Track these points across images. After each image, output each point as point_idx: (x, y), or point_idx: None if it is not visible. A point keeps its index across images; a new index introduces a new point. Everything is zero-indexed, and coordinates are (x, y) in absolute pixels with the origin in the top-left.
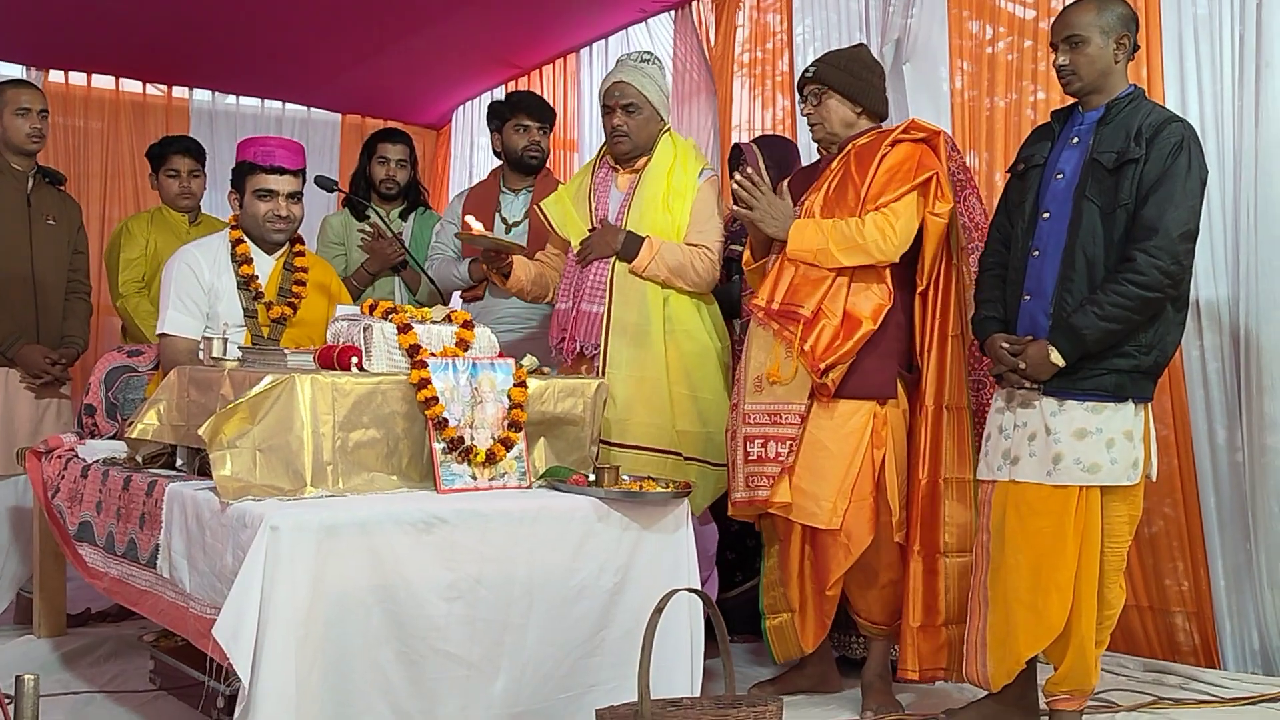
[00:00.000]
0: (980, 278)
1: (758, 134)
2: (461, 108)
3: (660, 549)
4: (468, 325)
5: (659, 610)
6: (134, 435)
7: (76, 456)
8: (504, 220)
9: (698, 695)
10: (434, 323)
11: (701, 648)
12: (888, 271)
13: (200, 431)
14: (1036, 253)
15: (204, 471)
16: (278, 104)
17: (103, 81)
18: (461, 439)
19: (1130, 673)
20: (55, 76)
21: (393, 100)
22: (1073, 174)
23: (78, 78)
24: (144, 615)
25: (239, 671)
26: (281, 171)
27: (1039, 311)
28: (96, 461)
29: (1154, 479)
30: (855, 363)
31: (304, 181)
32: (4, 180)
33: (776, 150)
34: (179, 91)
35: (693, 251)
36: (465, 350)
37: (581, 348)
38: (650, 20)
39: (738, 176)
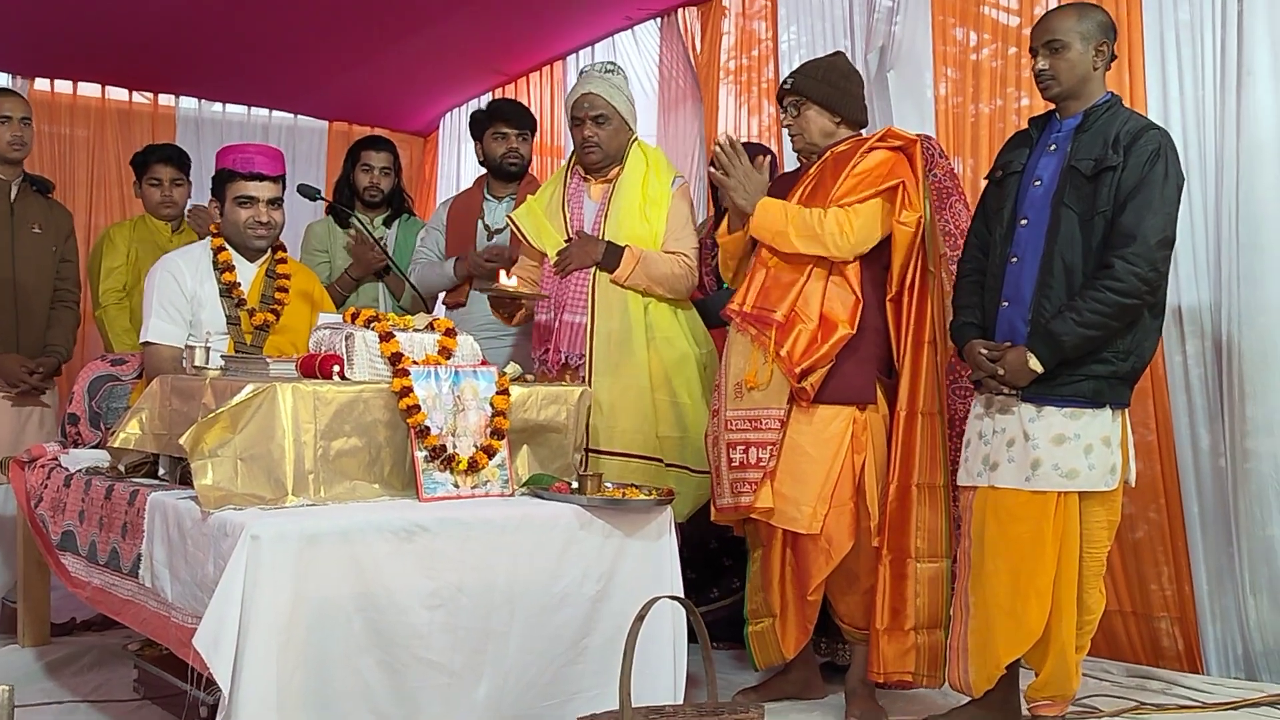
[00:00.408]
0: (958, 283)
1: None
2: (449, 115)
3: (643, 556)
4: (450, 333)
5: (640, 618)
6: (116, 444)
7: (60, 466)
8: (487, 227)
9: (681, 702)
10: (416, 330)
11: (685, 655)
12: (856, 276)
13: (181, 441)
14: (1015, 259)
15: (186, 481)
16: (264, 111)
17: (89, 90)
18: (444, 447)
19: (1114, 678)
20: (41, 85)
21: (380, 107)
22: (1051, 181)
23: (64, 86)
24: (127, 625)
25: (219, 681)
26: (261, 178)
27: (1017, 318)
28: (79, 471)
29: (1133, 484)
30: (834, 368)
31: (284, 188)
32: None
33: (756, 156)
34: (165, 99)
35: (671, 259)
36: (447, 358)
37: (566, 358)
38: (636, 27)
39: (720, 140)
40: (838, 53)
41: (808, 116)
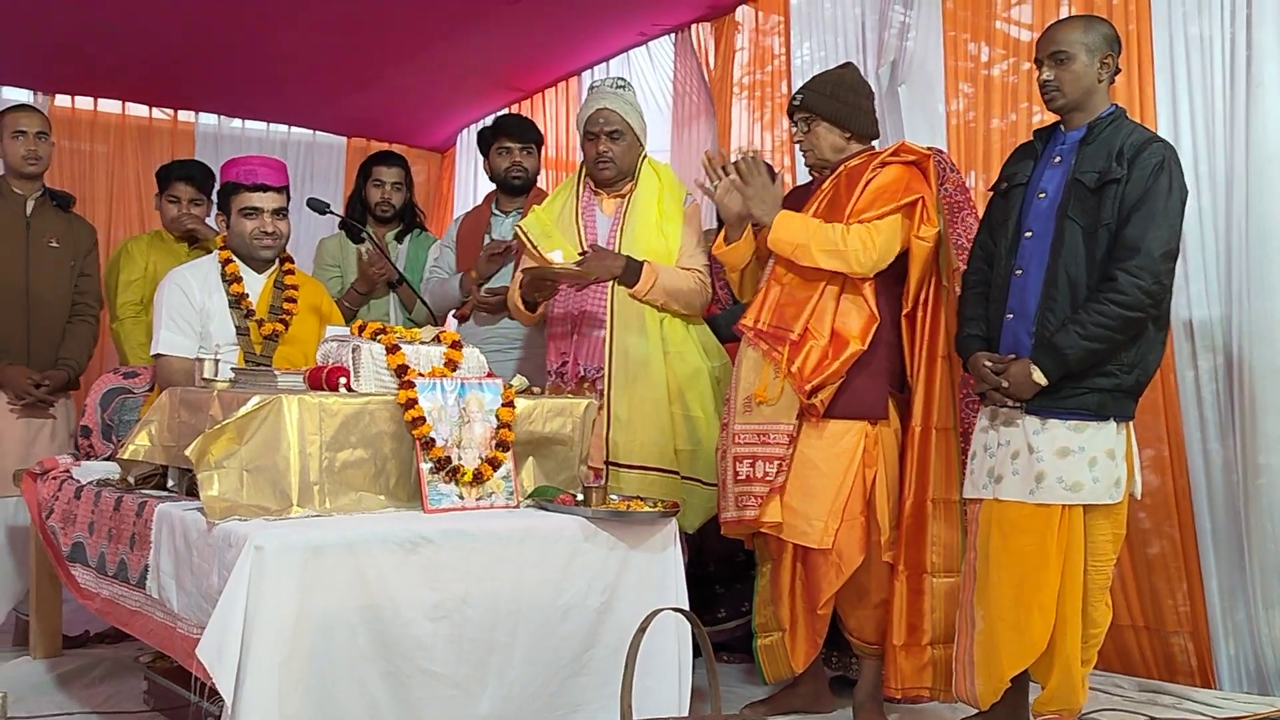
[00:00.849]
0: (963, 295)
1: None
2: (465, 131)
3: (648, 568)
4: (456, 345)
5: (642, 630)
6: (125, 456)
7: (71, 478)
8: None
9: (685, 715)
10: (423, 343)
11: (689, 667)
12: (872, 292)
13: (187, 452)
14: (1019, 271)
15: (193, 492)
16: (283, 127)
17: (109, 106)
18: (449, 459)
19: (1125, 693)
20: (62, 101)
21: (397, 123)
22: (1055, 193)
23: (84, 102)
24: (135, 636)
25: (222, 692)
26: (265, 188)
27: (1022, 330)
28: (90, 483)
29: (1138, 497)
30: (846, 383)
31: (289, 198)
32: (1, 203)
33: None
34: (184, 115)
35: (688, 275)
36: (453, 370)
37: (584, 371)
38: (651, 43)
39: (740, 150)
40: (847, 64)
41: (817, 133)
